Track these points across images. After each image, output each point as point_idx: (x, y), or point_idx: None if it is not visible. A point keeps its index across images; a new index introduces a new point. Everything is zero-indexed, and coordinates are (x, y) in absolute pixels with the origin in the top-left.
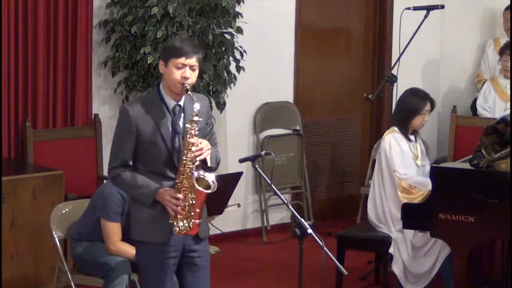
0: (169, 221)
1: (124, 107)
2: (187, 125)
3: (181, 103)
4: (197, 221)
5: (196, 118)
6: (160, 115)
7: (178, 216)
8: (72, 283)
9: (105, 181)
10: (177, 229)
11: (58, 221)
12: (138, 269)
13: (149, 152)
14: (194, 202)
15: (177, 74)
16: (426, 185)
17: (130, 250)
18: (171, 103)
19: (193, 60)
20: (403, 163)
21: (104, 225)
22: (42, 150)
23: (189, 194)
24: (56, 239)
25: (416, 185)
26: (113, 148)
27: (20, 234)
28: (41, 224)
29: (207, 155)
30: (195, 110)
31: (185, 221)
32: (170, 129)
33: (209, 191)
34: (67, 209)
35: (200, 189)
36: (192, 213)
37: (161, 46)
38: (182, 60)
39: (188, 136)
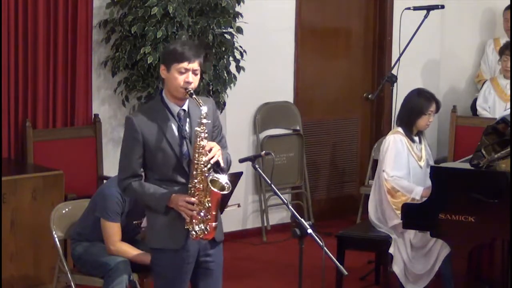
0: (185, 227)
1: (128, 117)
2: (197, 128)
3: (185, 107)
4: (213, 224)
5: (204, 121)
6: (164, 121)
7: (194, 220)
8: (72, 283)
9: (105, 181)
10: (194, 234)
11: (58, 221)
12: (154, 276)
13: (157, 159)
14: (210, 205)
15: (180, 79)
16: (410, 191)
17: (130, 250)
18: (175, 108)
19: (195, 65)
20: (395, 164)
21: (104, 225)
22: (42, 150)
23: (204, 198)
24: (56, 239)
25: (400, 189)
26: (121, 159)
27: (20, 234)
28: (41, 224)
29: (219, 156)
30: (203, 112)
31: (201, 225)
32: (177, 134)
33: (224, 192)
34: (67, 209)
35: (215, 190)
36: (209, 216)
37: (161, 50)
38: (184, 65)
39: (198, 139)
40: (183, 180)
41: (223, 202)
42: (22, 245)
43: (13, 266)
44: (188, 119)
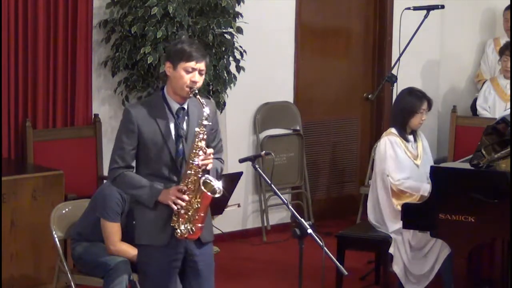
0: (171, 225)
1: (126, 109)
2: (196, 129)
3: (185, 106)
4: (199, 225)
5: (205, 122)
6: (163, 118)
7: (180, 219)
8: (72, 283)
9: (105, 181)
10: (179, 232)
11: (58, 221)
12: (140, 273)
13: (151, 155)
14: (199, 206)
15: (186, 78)
16: (417, 190)
17: (130, 250)
18: (175, 106)
19: (202, 65)
20: (397, 167)
21: (104, 225)
22: (42, 150)
23: (194, 198)
24: (56, 239)
25: (408, 190)
26: (115, 149)
27: (20, 234)
28: (41, 224)
29: (209, 163)
30: (205, 113)
31: (187, 225)
32: (173, 132)
33: (215, 196)
34: (67, 209)
35: (208, 192)
36: (196, 217)
37: (167, 47)
38: (192, 64)
39: (197, 140)
40: (174, 178)
41: (222, 203)
42: (22, 245)
43: (13, 266)
44: (186, 118)
